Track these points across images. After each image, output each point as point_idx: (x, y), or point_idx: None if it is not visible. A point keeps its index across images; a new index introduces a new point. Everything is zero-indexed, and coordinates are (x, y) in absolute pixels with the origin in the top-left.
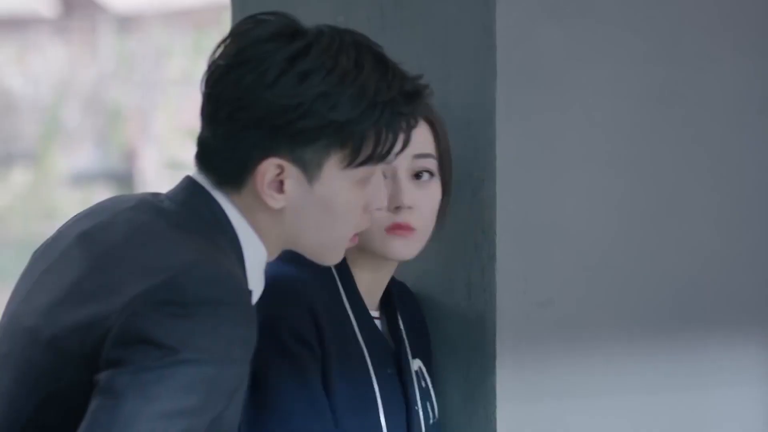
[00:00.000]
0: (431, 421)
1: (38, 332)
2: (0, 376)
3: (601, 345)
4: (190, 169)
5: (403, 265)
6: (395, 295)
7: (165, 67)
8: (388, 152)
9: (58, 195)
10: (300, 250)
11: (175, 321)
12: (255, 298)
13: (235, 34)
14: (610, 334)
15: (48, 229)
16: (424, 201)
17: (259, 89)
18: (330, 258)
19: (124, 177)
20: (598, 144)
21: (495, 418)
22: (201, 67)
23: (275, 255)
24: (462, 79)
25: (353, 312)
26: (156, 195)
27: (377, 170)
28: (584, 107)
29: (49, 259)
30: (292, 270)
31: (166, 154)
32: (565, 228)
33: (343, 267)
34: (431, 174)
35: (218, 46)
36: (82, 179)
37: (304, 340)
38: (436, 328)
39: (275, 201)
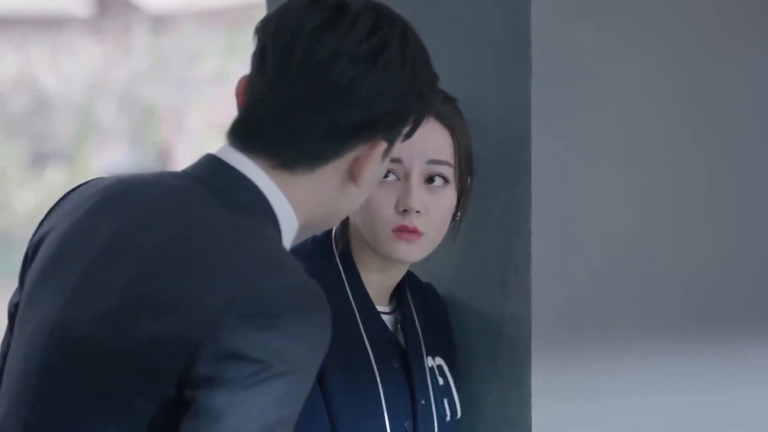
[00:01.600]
0: (447, 418)
1: (98, 343)
2: (49, 390)
3: (635, 344)
4: None
5: (438, 265)
6: (411, 292)
7: (198, 67)
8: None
9: None
10: (315, 219)
11: (265, 334)
12: None
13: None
14: (644, 333)
15: None
16: (435, 207)
17: (380, 75)
18: (331, 225)
19: None
20: (633, 143)
21: (530, 418)
22: (234, 67)
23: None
24: (496, 78)
25: (357, 304)
26: (183, 178)
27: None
28: (618, 106)
29: (81, 260)
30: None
31: (200, 152)
32: (600, 227)
33: (349, 260)
34: (445, 180)
35: (320, 31)
36: None
37: None
38: (471, 328)
39: (355, 181)
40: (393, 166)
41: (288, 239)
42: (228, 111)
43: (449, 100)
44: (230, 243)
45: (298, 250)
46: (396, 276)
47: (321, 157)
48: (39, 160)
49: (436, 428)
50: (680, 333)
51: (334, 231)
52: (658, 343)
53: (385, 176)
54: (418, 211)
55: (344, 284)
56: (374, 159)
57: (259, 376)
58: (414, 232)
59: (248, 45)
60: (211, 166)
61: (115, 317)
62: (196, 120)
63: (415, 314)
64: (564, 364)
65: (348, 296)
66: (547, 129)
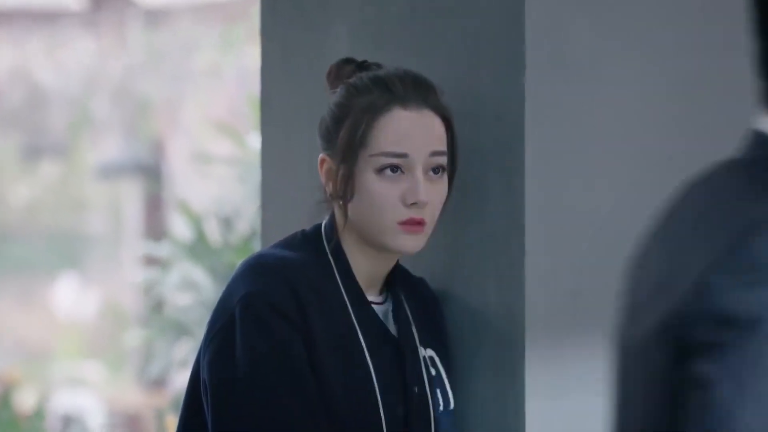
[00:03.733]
0: (440, 408)
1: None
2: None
3: None
4: (219, 161)
5: (432, 258)
6: (402, 284)
7: (193, 60)
8: None
9: (87, 187)
10: None
11: (755, 291)
12: None
13: None
14: None
15: (77, 221)
16: (436, 197)
17: None
18: None
19: (153, 169)
20: (627, 136)
21: (524, 412)
22: (229, 60)
23: None
24: (491, 71)
25: (348, 294)
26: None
27: None
28: (613, 98)
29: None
30: (279, 252)
31: (195, 147)
32: (594, 220)
33: (339, 253)
34: (443, 170)
35: None
36: (110, 171)
37: (284, 314)
38: (465, 321)
39: None
40: (399, 160)
41: None
42: (222, 104)
43: (432, 86)
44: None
45: (287, 242)
46: (387, 267)
47: None
48: (33, 153)
49: (431, 416)
50: None
51: (324, 224)
52: None
53: (393, 170)
54: (425, 203)
55: (335, 276)
56: None
57: (749, 338)
58: (420, 223)
59: (242, 39)
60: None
61: (641, 311)
62: (190, 113)
63: (406, 305)
64: (558, 358)
65: (339, 287)
66: (542, 122)
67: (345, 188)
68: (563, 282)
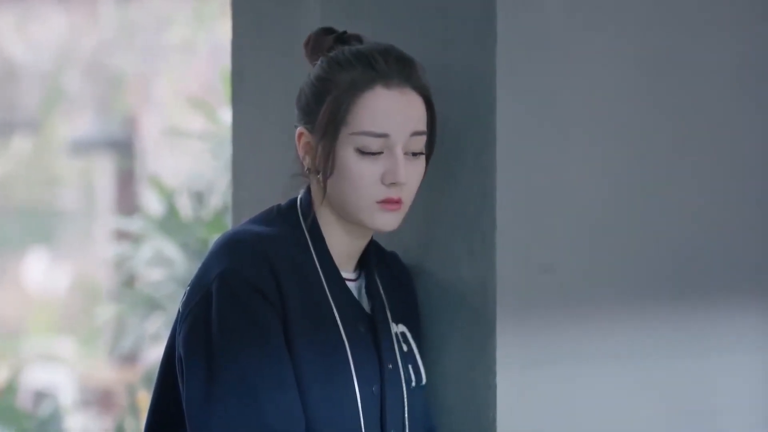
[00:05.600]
0: (413, 384)
1: None
2: None
3: (601, 311)
4: (191, 136)
5: (406, 234)
6: (374, 259)
7: (166, 35)
8: None
9: (59, 162)
10: None
11: None
12: None
13: None
14: (610, 301)
15: (49, 196)
16: (414, 177)
17: None
18: None
19: (125, 144)
20: (599, 111)
21: (495, 385)
22: (202, 36)
23: None
24: (462, 46)
25: (323, 271)
26: None
27: None
28: (585, 74)
29: None
30: (256, 228)
31: (167, 122)
32: (566, 195)
33: (315, 228)
34: (422, 151)
35: None
36: (82, 146)
37: (261, 291)
38: (438, 296)
39: None
40: (379, 140)
41: None
42: (195, 79)
43: (414, 64)
44: None
45: (263, 218)
46: (361, 243)
47: None
48: (5, 128)
49: (404, 393)
50: (646, 301)
51: (299, 198)
52: (624, 311)
53: (373, 151)
54: (404, 183)
55: (311, 252)
56: None
57: None
58: (398, 202)
59: (215, 13)
60: None
61: None
62: (163, 88)
63: (378, 281)
64: (529, 332)
65: (315, 264)
66: (513, 97)
67: (325, 164)
68: (534, 257)
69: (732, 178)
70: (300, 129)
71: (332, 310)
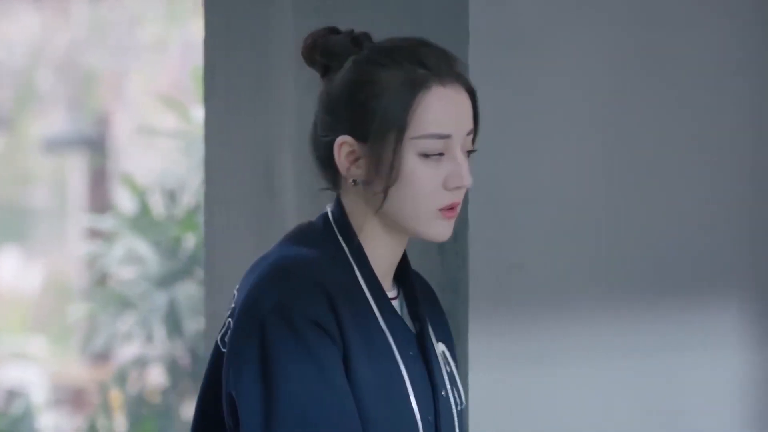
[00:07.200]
0: (459, 407)
1: None
2: None
3: (573, 310)
4: (163, 134)
5: None
6: (410, 274)
7: (138, 34)
8: None
9: (32, 160)
10: None
11: None
12: None
13: None
14: (582, 299)
15: (21, 194)
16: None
17: None
18: None
19: (97, 142)
20: (574, 108)
21: (467, 384)
22: (174, 33)
23: None
24: (435, 41)
25: (371, 294)
26: None
27: None
28: (560, 70)
29: None
30: (298, 251)
31: (140, 120)
32: (538, 193)
33: (358, 247)
34: (474, 149)
35: None
36: (55, 145)
37: (320, 325)
38: None
39: None
40: (441, 142)
41: None
42: (167, 77)
43: (457, 59)
44: None
45: (297, 238)
46: (398, 255)
47: None
48: None
49: (455, 419)
50: (618, 299)
51: (330, 213)
52: (596, 309)
53: (435, 153)
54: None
55: (354, 272)
56: None
57: None
58: (455, 209)
59: (188, 12)
60: None
61: None
62: (135, 86)
63: (419, 298)
64: (501, 331)
65: (360, 284)
66: (485, 95)
67: (389, 174)
68: (506, 253)
69: (710, 173)
70: (342, 139)
71: (386, 336)
